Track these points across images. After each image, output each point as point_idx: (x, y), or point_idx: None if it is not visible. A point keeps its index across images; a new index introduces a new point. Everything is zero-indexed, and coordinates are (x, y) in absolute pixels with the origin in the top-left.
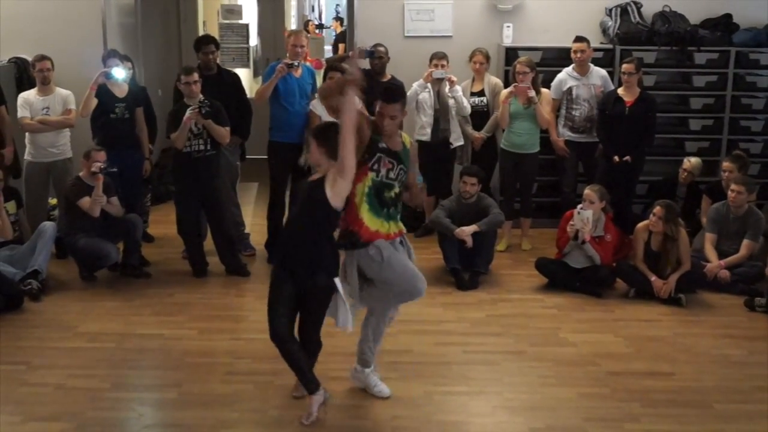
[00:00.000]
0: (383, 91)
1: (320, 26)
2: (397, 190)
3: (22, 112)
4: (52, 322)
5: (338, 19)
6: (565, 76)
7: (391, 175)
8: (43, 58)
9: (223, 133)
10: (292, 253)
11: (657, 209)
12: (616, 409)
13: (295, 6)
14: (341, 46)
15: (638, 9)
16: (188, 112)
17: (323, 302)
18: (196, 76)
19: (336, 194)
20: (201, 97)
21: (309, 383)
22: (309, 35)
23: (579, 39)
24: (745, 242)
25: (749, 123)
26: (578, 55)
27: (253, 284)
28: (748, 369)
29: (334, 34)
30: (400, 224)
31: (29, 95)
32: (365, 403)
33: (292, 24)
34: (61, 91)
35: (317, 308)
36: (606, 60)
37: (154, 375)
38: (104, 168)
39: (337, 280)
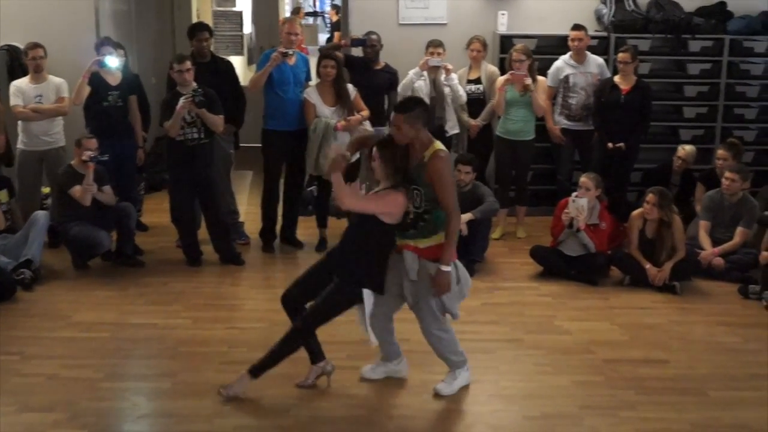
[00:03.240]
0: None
1: (314, 14)
2: (411, 215)
3: (14, 100)
4: (46, 311)
5: (335, 7)
6: (563, 63)
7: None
8: (35, 45)
9: (217, 121)
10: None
11: (650, 197)
12: (611, 396)
13: None
14: (336, 34)
15: None
16: (181, 101)
17: (333, 294)
18: (189, 64)
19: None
20: (194, 85)
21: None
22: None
23: (577, 27)
24: (739, 230)
25: (743, 111)
26: (576, 43)
27: (247, 273)
28: (742, 356)
29: (329, 22)
30: (423, 241)
31: (22, 83)
32: (361, 392)
33: (287, 12)
34: (54, 79)
35: (327, 295)
36: (601, 48)
37: (149, 365)
38: (95, 156)
39: (366, 296)
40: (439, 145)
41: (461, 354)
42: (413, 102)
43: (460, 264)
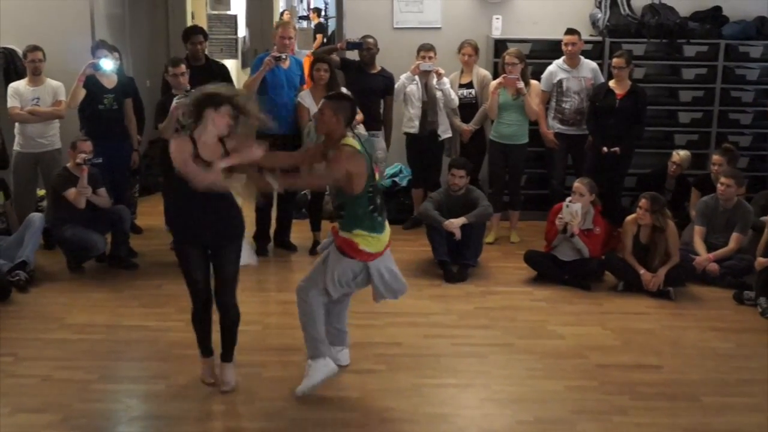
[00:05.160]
0: None
1: (308, 18)
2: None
3: (11, 102)
4: (40, 313)
5: (316, 10)
6: (556, 68)
7: None
8: (35, 48)
9: None
10: None
11: (642, 202)
12: (604, 401)
13: None
14: (318, 36)
15: (628, 1)
16: (175, 101)
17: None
18: (183, 67)
19: None
20: (188, 88)
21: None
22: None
23: (570, 31)
24: (734, 235)
25: (738, 116)
26: (569, 47)
27: (240, 276)
28: (736, 362)
29: (312, 24)
30: (343, 232)
31: (19, 85)
32: (354, 395)
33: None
34: (52, 82)
35: None
36: (595, 52)
37: (142, 367)
38: (89, 159)
39: None
40: (349, 141)
41: (319, 341)
42: (344, 97)
43: (383, 268)
